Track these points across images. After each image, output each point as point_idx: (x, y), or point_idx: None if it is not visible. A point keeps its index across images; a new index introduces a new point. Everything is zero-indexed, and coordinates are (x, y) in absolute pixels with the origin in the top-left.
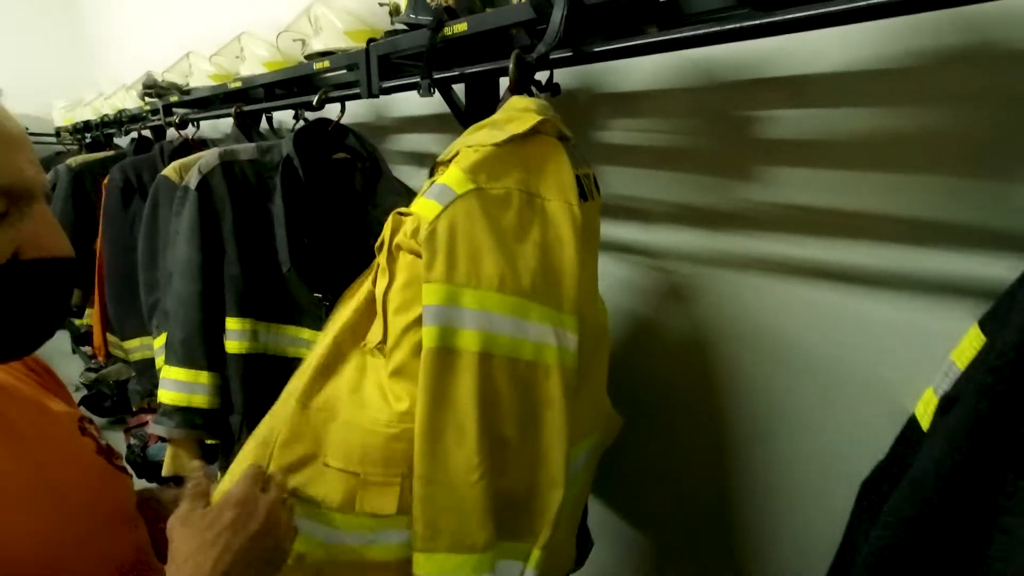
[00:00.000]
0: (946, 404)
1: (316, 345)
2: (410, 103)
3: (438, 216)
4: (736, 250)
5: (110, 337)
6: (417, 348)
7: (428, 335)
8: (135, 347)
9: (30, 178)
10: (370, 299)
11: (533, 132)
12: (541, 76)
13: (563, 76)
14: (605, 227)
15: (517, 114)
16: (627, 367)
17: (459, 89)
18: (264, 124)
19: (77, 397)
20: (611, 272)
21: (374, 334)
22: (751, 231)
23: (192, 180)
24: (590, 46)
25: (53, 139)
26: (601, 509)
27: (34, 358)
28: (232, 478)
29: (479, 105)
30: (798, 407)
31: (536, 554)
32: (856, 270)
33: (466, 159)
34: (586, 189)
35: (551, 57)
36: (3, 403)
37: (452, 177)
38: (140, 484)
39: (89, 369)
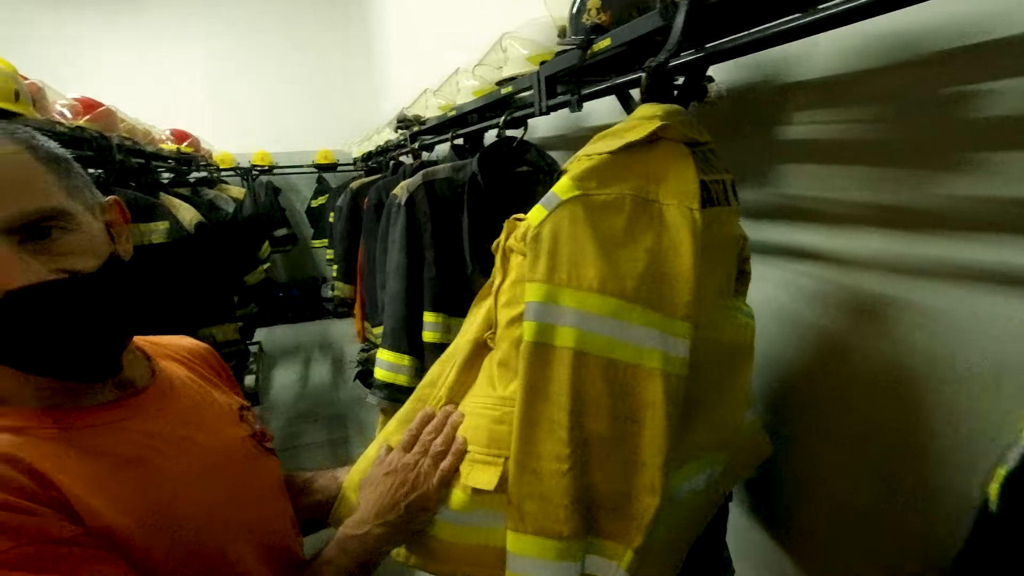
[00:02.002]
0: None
1: (460, 339)
2: (600, 112)
3: (543, 220)
4: (943, 257)
5: (366, 325)
6: (518, 341)
7: (527, 329)
8: (379, 333)
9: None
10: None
11: (655, 139)
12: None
13: (743, 71)
14: (780, 233)
15: (638, 122)
16: (802, 389)
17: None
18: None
19: (352, 373)
20: (791, 283)
21: (489, 325)
22: (964, 233)
23: (403, 197)
24: (720, 45)
25: (352, 167)
26: (760, 541)
27: (211, 352)
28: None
29: None
30: None
31: (629, 555)
32: None
33: (578, 167)
34: (715, 195)
35: (677, 62)
36: (175, 399)
37: (560, 185)
38: None
39: (362, 350)
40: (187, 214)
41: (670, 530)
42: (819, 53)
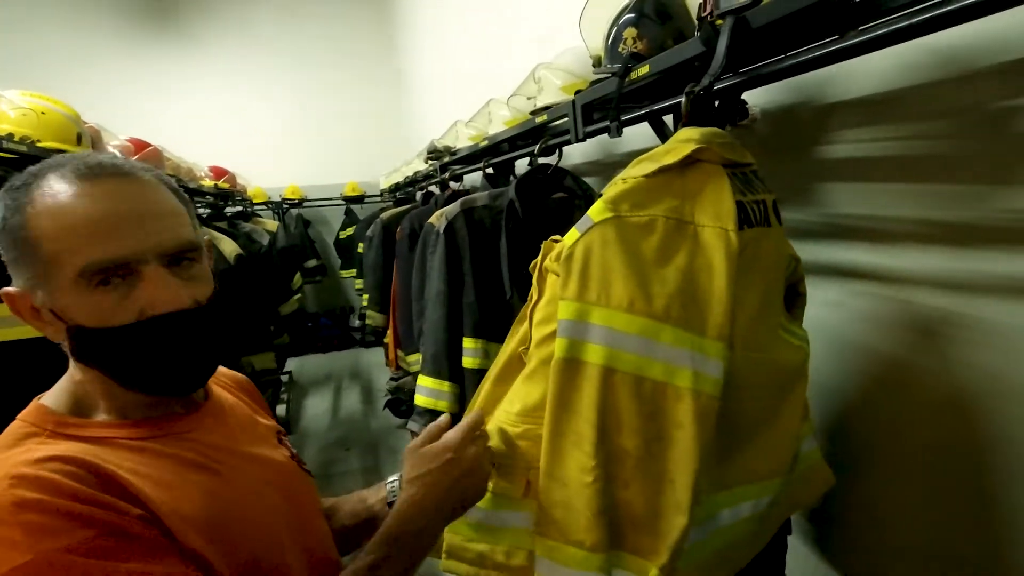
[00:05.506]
0: None
1: (499, 355)
2: (634, 139)
3: (575, 242)
4: (1002, 272)
5: (399, 353)
6: (548, 358)
7: (558, 346)
8: (414, 361)
9: (117, 250)
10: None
11: (692, 161)
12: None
13: (781, 93)
14: (835, 251)
15: (675, 145)
16: (864, 413)
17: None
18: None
19: (383, 402)
20: (843, 303)
21: (523, 342)
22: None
23: (441, 225)
24: (761, 68)
25: (379, 199)
26: (821, 572)
27: (247, 381)
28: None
29: None
30: None
31: (654, 573)
32: None
33: (613, 190)
34: (754, 215)
35: (721, 85)
36: (228, 417)
37: (594, 208)
38: None
39: (392, 378)
40: (227, 246)
41: (708, 555)
42: (864, 71)
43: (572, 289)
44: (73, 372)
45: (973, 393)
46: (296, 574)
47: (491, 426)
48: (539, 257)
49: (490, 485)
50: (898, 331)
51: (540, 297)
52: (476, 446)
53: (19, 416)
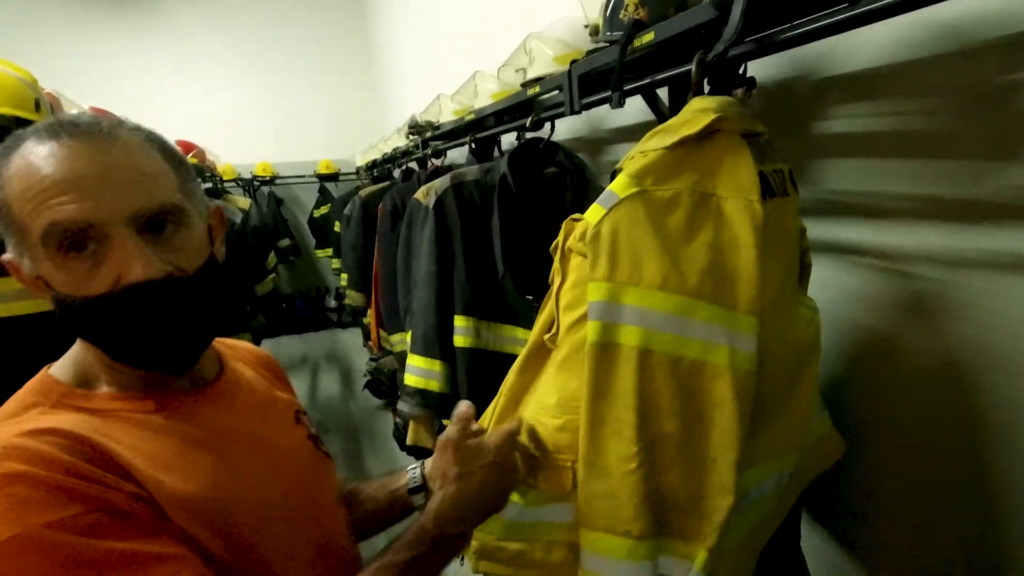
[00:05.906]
0: None
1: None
2: (623, 113)
3: (601, 219)
4: (1000, 249)
5: (381, 333)
6: (580, 343)
7: (591, 330)
8: (397, 341)
9: (76, 212)
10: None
11: (710, 132)
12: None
13: (779, 67)
14: (829, 228)
15: (692, 116)
16: (858, 388)
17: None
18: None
19: (361, 384)
20: (837, 280)
21: (547, 328)
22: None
23: (430, 201)
24: (777, 35)
25: (354, 177)
26: (823, 543)
27: (269, 357)
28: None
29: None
30: None
31: (703, 555)
32: None
33: (634, 164)
34: (774, 185)
35: (733, 53)
36: (243, 395)
37: (618, 183)
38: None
39: (371, 359)
40: None
41: (743, 533)
42: (863, 45)
43: (602, 269)
44: (78, 342)
45: (957, 361)
46: (299, 564)
47: (527, 419)
48: (560, 237)
49: (537, 485)
50: (889, 307)
51: (565, 280)
52: (514, 453)
53: (26, 385)
